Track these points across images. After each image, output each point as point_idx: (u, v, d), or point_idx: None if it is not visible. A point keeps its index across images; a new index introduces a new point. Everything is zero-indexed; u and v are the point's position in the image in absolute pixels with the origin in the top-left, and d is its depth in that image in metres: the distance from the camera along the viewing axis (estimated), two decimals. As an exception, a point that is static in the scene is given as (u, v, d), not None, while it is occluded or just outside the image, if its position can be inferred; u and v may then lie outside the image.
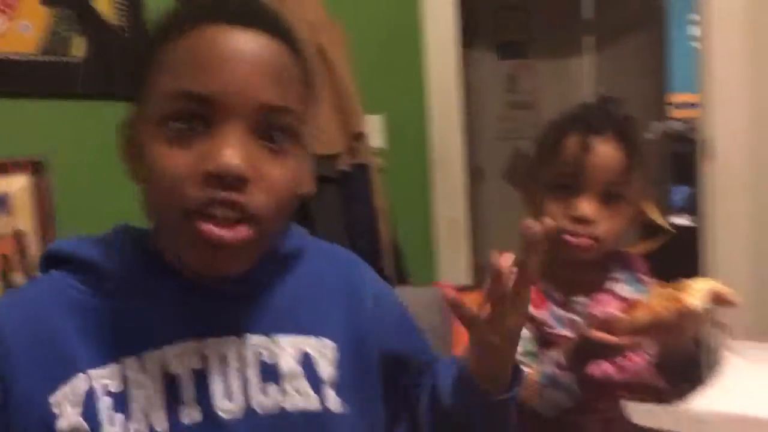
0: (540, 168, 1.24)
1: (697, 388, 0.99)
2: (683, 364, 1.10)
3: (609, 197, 1.18)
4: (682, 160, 3.21)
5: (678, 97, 4.37)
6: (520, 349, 1.16)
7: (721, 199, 2.57)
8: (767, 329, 2.39)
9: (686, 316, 0.98)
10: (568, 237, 1.18)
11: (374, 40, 2.55)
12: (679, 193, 3.67)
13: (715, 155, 2.54)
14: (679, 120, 4.11)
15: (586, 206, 1.17)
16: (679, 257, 2.82)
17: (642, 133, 1.24)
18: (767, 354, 1.11)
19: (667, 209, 3.85)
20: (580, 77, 4.21)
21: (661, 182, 4.06)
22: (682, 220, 3.40)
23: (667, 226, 1.28)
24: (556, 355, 1.13)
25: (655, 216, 1.27)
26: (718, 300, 1.01)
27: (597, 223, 1.17)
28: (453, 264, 2.84)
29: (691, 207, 3.03)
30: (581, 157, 1.17)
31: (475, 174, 3.59)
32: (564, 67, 4.24)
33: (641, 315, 1.01)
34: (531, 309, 1.20)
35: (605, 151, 1.17)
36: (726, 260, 2.56)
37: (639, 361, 1.15)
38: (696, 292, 0.98)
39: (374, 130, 2.48)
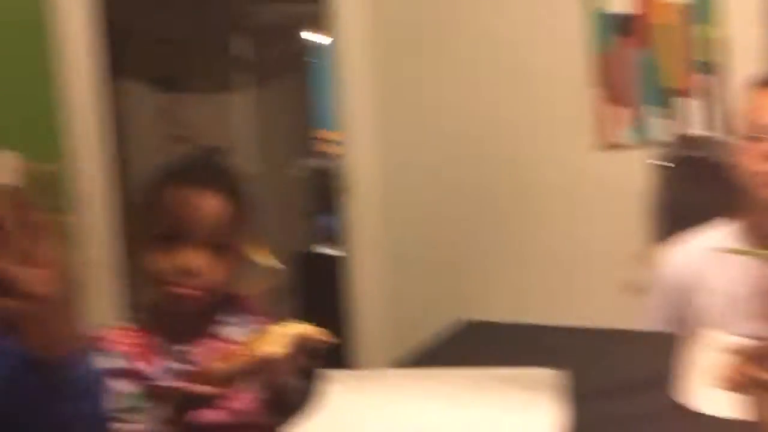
0: (145, 220, 1.25)
1: (297, 420, 1.06)
2: (285, 400, 1.18)
3: (215, 247, 1.22)
4: (327, 193, 3.47)
5: (326, 134, 4.72)
6: (125, 404, 1.15)
7: (360, 228, 2.82)
8: (402, 351, 2.69)
9: (269, 361, 1.05)
10: (173, 288, 1.20)
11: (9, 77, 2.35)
12: (325, 223, 3.96)
13: (353, 188, 2.79)
14: (326, 155, 4.44)
15: (190, 258, 1.20)
16: (326, 284, 3.05)
17: (244, 183, 1.31)
18: (366, 381, 1.24)
19: (313, 239, 4.15)
20: (236, 113, 4.33)
21: (308, 214, 4.36)
22: (328, 250, 3.67)
23: (276, 268, 1.37)
24: (162, 408, 1.13)
25: (264, 259, 1.35)
26: (306, 342, 1.10)
27: (203, 273, 1.21)
28: (100, 308, 2.70)
29: (337, 237, 3.28)
30: (182, 210, 1.20)
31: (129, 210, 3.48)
32: (221, 102, 4.33)
33: (229, 363, 1.06)
34: (138, 364, 1.20)
35: (207, 204, 1.22)
36: (365, 286, 2.81)
37: (245, 400, 1.20)
38: (276, 338, 1.06)
39: (5, 169, 2.28)
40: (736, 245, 1.49)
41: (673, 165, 2.34)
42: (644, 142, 2.67)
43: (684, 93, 2.64)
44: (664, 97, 2.67)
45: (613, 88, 2.74)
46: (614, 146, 2.76)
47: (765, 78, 1.51)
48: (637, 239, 2.40)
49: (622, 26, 2.71)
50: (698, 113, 2.61)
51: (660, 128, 2.67)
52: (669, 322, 1.53)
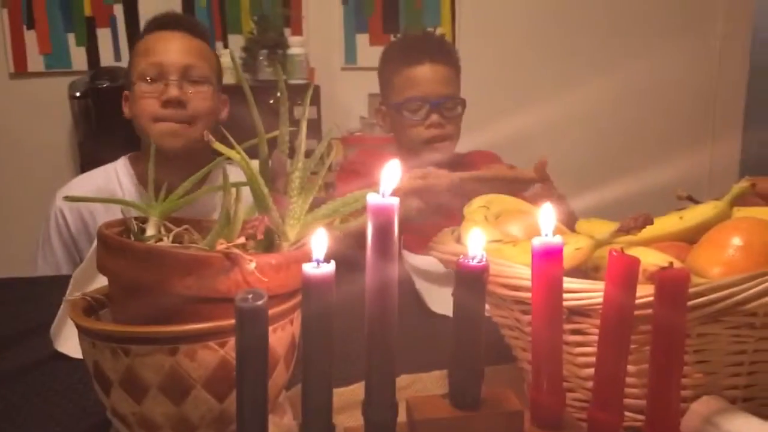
0: None
1: None
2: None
3: None
4: None
5: None
6: None
7: None
8: None
9: None
10: None
11: None
12: None
13: None
14: None
15: None
16: None
17: None
18: None
19: None
20: None
21: None
22: None
23: None
24: None
25: None
26: None
27: None
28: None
29: None
30: None
31: None
32: None
33: None
34: None
35: None
36: None
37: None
38: None
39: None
40: (129, 187, 1.48)
41: (87, 96, 2.28)
42: (59, 70, 2.54)
43: (98, 22, 2.57)
44: (79, 24, 2.56)
45: (25, 11, 2.51)
46: (29, 74, 2.55)
47: (160, 20, 1.46)
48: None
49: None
50: (109, 43, 2.58)
51: (75, 57, 2.56)
52: (65, 264, 1.47)
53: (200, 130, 1.40)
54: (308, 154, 0.66)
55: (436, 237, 0.81)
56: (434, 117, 1.53)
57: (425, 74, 1.54)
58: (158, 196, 0.68)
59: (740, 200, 0.80)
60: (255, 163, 0.66)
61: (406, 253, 1.22)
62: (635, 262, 0.56)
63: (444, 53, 1.59)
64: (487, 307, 0.73)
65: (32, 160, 2.53)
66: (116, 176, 1.50)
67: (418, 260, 1.17)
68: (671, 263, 0.59)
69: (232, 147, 0.60)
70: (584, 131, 2.92)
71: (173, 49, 1.40)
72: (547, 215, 0.57)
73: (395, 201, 0.52)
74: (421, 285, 1.14)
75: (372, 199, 0.53)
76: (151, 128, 1.39)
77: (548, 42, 2.91)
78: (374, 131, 2.60)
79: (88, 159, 2.16)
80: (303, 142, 0.62)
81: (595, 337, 0.60)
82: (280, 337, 0.63)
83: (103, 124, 2.23)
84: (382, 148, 2.20)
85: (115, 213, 0.87)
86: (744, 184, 0.76)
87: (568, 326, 0.66)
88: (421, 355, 0.88)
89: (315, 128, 2.47)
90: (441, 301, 1.10)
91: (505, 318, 0.74)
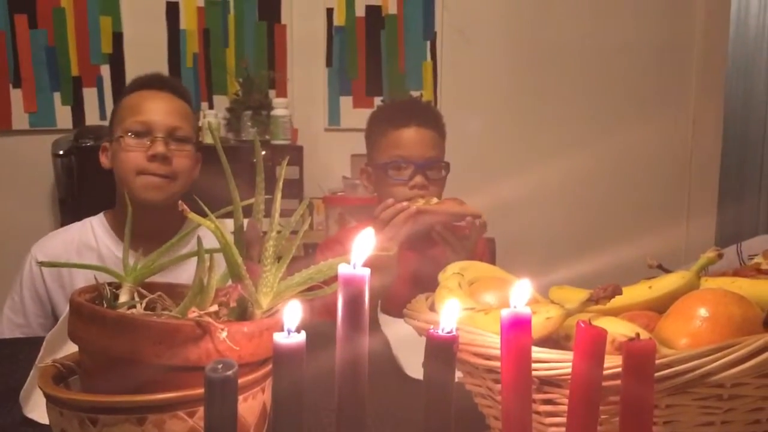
0: None
1: None
2: None
3: None
4: None
5: None
6: None
7: None
8: None
9: None
10: None
11: None
12: None
13: None
14: None
15: None
16: None
17: None
18: None
19: None
20: None
21: None
22: None
23: None
24: None
25: None
26: None
27: None
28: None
29: None
30: None
31: None
32: None
33: None
34: None
35: None
36: None
37: None
38: None
39: None
40: (104, 238, 1.50)
41: (70, 154, 2.29)
42: (44, 128, 2.55)
43: (85, 82, 2.60)
44: (65, 83, 2.59)
45: (12, 70, 2.54)
46: (14, 131, 2.57)
47: (147, 80, 1.51)
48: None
49: (19, 3, 2.52)
50: (94, 103, 2.60)
51: (60, 116, 2.58)
52: (33, 316, 1.47)
53: (180, 186, 1.45)
54: (287, 213, 0.67)
55: (410, 304, 0.81)
56: (418, 179, 1.55)
57: (411, 137, 1.58)
58: (135, 248, 0.69)
59: (742, 272, 0.81)
60: (228, 222, 0.66)
61: (383, 318, 1.23)
62: (602, 333, 0.57)
63: (430, 118, 1.63)
64: (460, 374, 0.73)
65: (13, 217, 2.52)
66: (92, 230, 1.51)
67: (394, 325, 1.17)
68: (638, 334, 0.60)
69: (205, 215, 0.61)
70: (560, 202, 2.96)
71: (160, 110, 1.45)
72: (521, 287, 0.58)
73: (366, 272, 0.53)
74: (397, 349, 1.14)
75: (343, 269, 0.54)
76: (134, 181, 1.43)
77: (527, 112, 2.97)
78: (357, 191, 2.62)
79: (69, 216, 2.16)
80: (277, 212, 0.63)
81: (566, 407, 0.60)
82: (251, 405, 0.63)
83: (85, 183, 2.23)
84: (366, 213, 2.21)
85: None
86: (711, 254, 0.78)
87: (538, 396, 0.66)
88: (396, 421, 0.88)
89: (297, 188, 2.49)
90: (417, 365, 1.10)
91: (478, 386, 0.74)
